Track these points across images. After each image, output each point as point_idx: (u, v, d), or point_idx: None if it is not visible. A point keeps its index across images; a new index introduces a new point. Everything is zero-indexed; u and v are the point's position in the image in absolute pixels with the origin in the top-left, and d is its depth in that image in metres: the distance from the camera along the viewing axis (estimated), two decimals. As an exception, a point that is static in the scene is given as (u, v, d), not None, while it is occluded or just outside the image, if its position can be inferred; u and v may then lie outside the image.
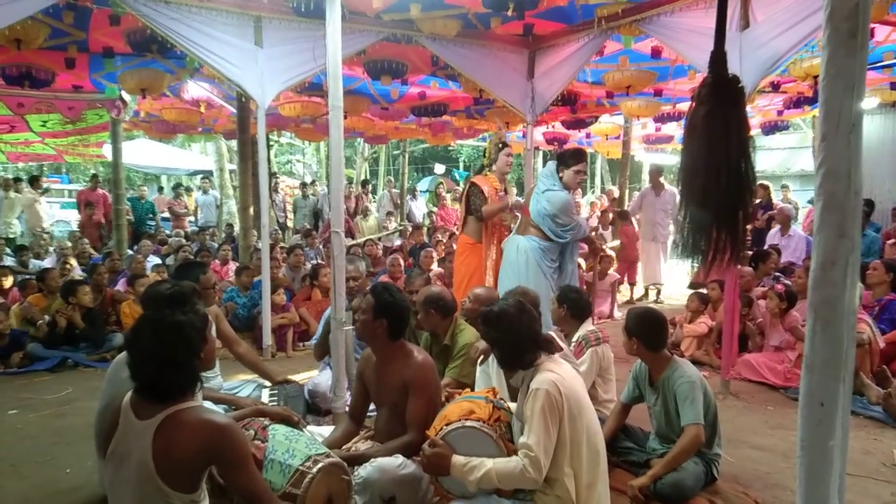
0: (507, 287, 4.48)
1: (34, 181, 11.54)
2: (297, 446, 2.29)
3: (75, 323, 5.42)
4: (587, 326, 3.52)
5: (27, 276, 6.55)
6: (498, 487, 2.26)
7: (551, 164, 4.57)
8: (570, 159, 4.46)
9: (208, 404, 2.65)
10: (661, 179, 8.40)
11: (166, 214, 12.47)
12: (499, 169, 5.00)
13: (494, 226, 4.91)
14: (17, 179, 11.41)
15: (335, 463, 2.29)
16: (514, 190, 5.37)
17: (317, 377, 4.02)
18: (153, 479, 1.73)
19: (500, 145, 5.02)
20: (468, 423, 2.32)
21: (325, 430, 3.14)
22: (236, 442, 1.79)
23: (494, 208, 4.87)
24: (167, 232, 11.10)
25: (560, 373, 2.28)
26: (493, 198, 4.89)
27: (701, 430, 2.79)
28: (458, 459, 2.24)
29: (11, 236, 9.64)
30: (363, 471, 2.47)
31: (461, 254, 5.05)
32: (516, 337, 2.33)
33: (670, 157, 13.53)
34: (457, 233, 9.61)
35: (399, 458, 2.58)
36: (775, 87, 7.24)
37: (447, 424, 2.35)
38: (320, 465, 2.22)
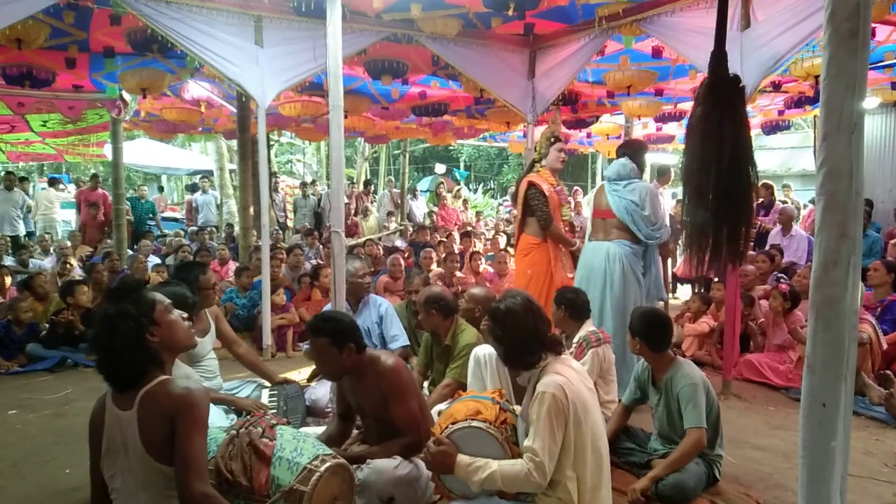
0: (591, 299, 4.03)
1: (54, 182, 11.78)
2: (305, 445, 2.31)
3: (75, 325, 5.43)
4: (588, 327, 3.50)
5: (27, 276, 6.54)
6: (501, 489, 2.25)
7: (624, 159, 4.28)
8: (644, 150, 4.36)
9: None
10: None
11: (167, 214, 12.50)
12: (549, 164, 4.68)
13: (556, 215, 4.61)
14: (23, 179, 11.45)
15: (342, 464, 2.30)
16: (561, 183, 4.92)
17: (315, 389, 3.98)
18: (148, 462, 1.80)
19: (552, 139, 4.70)
20: (474, 424, 2.31)
21: (325, 431, 3.13)
22: (194, 407, 1.82)
23: (563, 237, 4.55)
24: (176, 230, 11.16)
25: (567, 376, 2.25)
26: (553, 196, 4.56)
27: (703, 434, 2.79)
28: (462, 459, 2.24)
29: (11, 234, 9.63)
30: (361, 473, 2.48)
31: (526, 254, 4.71)
32: (521, 336, 2.31)
33: (671, 157, 13.53)
34: (455, 232, 9.73)
35: (396, 459, 2.58)
36: (776, 86, 7.22)
37: (453, 423, 2.34)
38: (328, 464, 2.22)
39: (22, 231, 10.02)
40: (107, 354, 1.86)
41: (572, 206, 4.81)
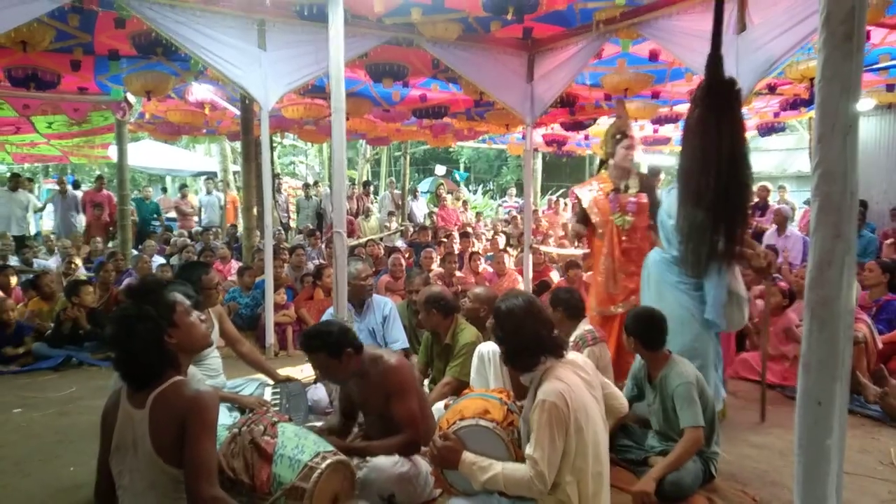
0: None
1: (77, 186, 12.04)
2: (306, 443, 2.32)
3: (80, 324, 5.45)
4: (584, 326, 3.53)
5: (33, 276, 6.56)
6: (502, 491, 2.28)
7: None
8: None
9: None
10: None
11: (171, 214, 12.51)
12: (617, 163, 4.33)
13: (606, 224, 4.33)
14: (28, 180, 11.52)
15: (343, 461, 2.32)
16: (634, 183, 4.40)
17: (317, 389, 4.00)
18: (157, 463, 1.81)
19: (618, 136, 4.32)
20: (482, 423, 2.31)
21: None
22: (204, 411, 1.83)
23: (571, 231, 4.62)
24: (175, 231, 11.16)
25: (569, 381, 2.23)
26: (599, 203, 4.28)
27: (700, 434, 2.81)
28: (468, 456, 2.25)
29: (18, 234, 9.68)
30: (361, 472, 2.51)
31: (595, 256, 4.57)
32: (520, 338, 2.30)
33: (668, 159, 13.57)
34: (455, 233, 9.76)
35: (394, 457, 2.61)
36: (772, 89, 7.27)
37: (461, 419, 2.35)
38: (329, 461, 2.24)
39: (28, 231, 10.09)
40: (124, 354, 1.87)
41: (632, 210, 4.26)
